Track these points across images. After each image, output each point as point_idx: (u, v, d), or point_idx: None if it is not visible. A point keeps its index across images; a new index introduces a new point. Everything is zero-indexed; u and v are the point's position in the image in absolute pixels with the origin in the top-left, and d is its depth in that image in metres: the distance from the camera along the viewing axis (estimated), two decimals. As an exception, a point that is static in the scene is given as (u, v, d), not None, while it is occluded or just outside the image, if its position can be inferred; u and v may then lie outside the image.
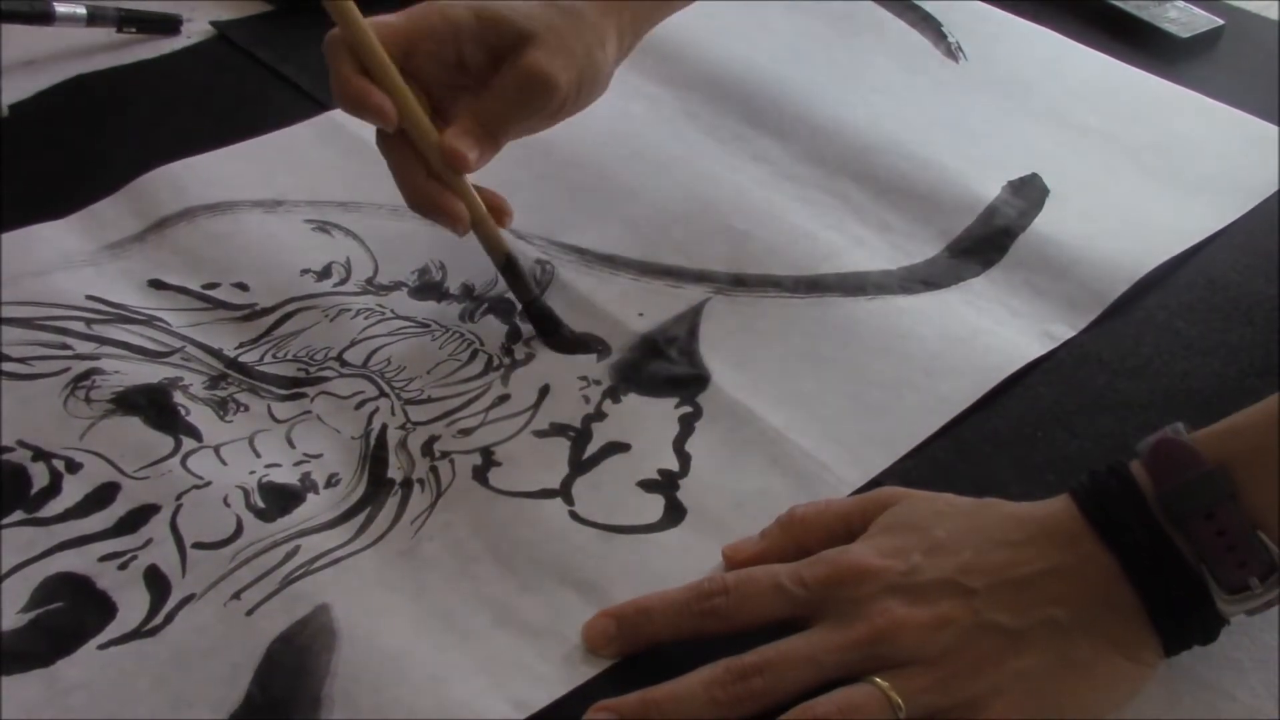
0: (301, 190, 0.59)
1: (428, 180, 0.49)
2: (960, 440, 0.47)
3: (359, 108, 0.47)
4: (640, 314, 0.52)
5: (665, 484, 0.45)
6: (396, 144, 0.49)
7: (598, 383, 0.49)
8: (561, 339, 0.51)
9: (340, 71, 0.47)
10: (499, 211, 0.51)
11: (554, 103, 0.49)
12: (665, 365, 0.50)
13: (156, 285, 0.53)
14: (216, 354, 0.50)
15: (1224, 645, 0.40)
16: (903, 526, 0.40)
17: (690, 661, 0.38)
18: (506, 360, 0.50)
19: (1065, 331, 0.52)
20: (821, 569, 0.39)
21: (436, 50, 0.48)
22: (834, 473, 0.46)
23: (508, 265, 0.51)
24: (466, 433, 0.47)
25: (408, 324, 0.52)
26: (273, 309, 0.52)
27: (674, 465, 0.46)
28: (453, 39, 0.48)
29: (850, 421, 0.48)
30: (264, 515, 0.43)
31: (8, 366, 0.48)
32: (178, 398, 0.47)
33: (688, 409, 0.48)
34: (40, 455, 0.45)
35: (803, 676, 0.37)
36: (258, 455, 0.45)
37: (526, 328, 0.52)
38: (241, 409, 0.47)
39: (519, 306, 0.52)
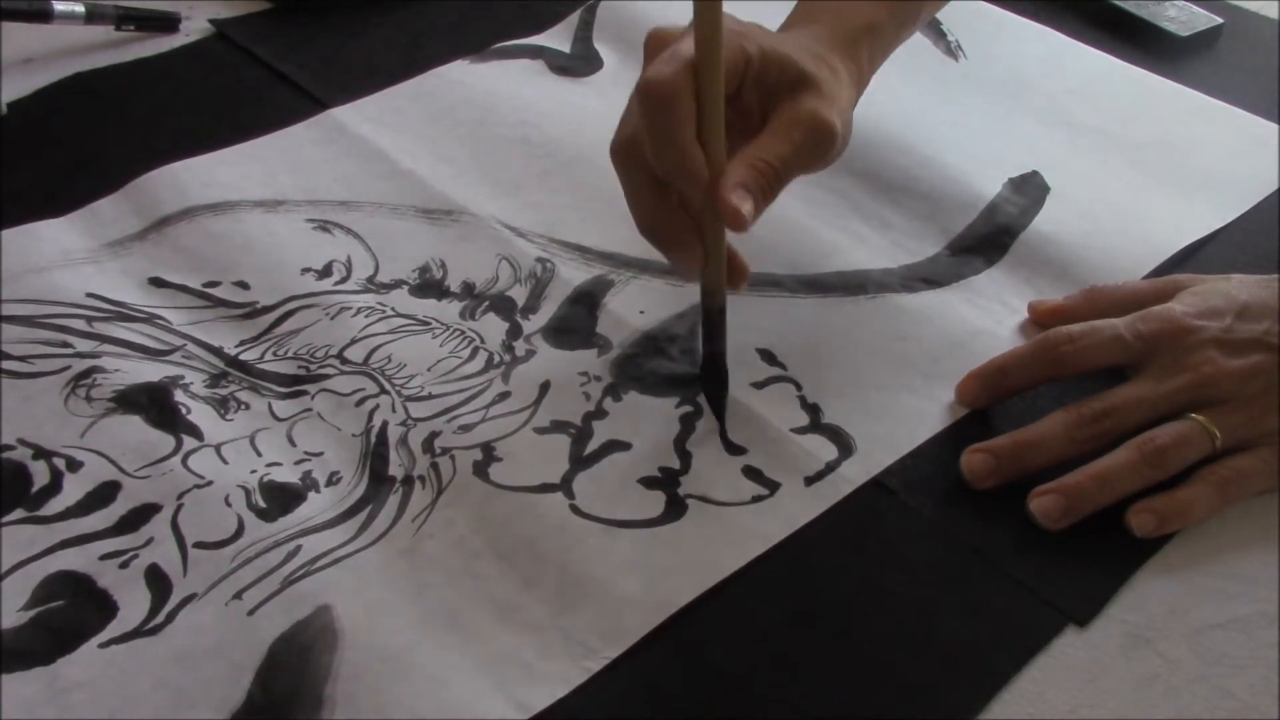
0: (302, 189, 0.59)
1: (671, 211, 0.44)
2: (961, 440, 0.47)
3: (679, 175, 0.42)
4: (641, 311, 0.52)
5: (666, 480, 0.45)
6: (644, 169, 0.44)
7: (598, 379, 0.49)
8: (720, 396, 0.48)
9: (678, 134, 0.41)
10: (738, 270, 0.47)
11: (830, 154, 0.45)
12: (666, 363, 0.50)
13: (157, 283, 0.53)
14: (217, 352, 0.50)
15: (1224, 643, 0.41)
16: (1212, 293, 0.48)
17: (692, 662, 0.38)
18: (507, 357, 0.50)
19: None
20: (1155, 324, 0.47)
21: (726, 78, 0.42)
22: (836, 471, 0.46)
23: (718, 313, 0.47)
24: (467, 429, 0.47)
25: (408, 322, 0.52)
26: (273, 307, 0.52)
27: (675, 463, 0.46)
28: (739, 75, 0.44)
29: (852, 420, 0.48)
30: (265, 515, 0.43)
31: (8, 364, 0.48)
32: (178, 396, 0.47)
33: (688, 408, 0.48)
34: (41, 453, 0.45)
35: (1141, 416, 0.45)
36: (259, 454, 0.45)
37: (527, 325, 0.52)
38: (242, 407, 0.47)
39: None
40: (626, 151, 0.45)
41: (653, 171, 0.43)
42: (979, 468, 0.45)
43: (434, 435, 0.47)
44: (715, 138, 0.42)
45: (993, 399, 0.49)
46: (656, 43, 0.44)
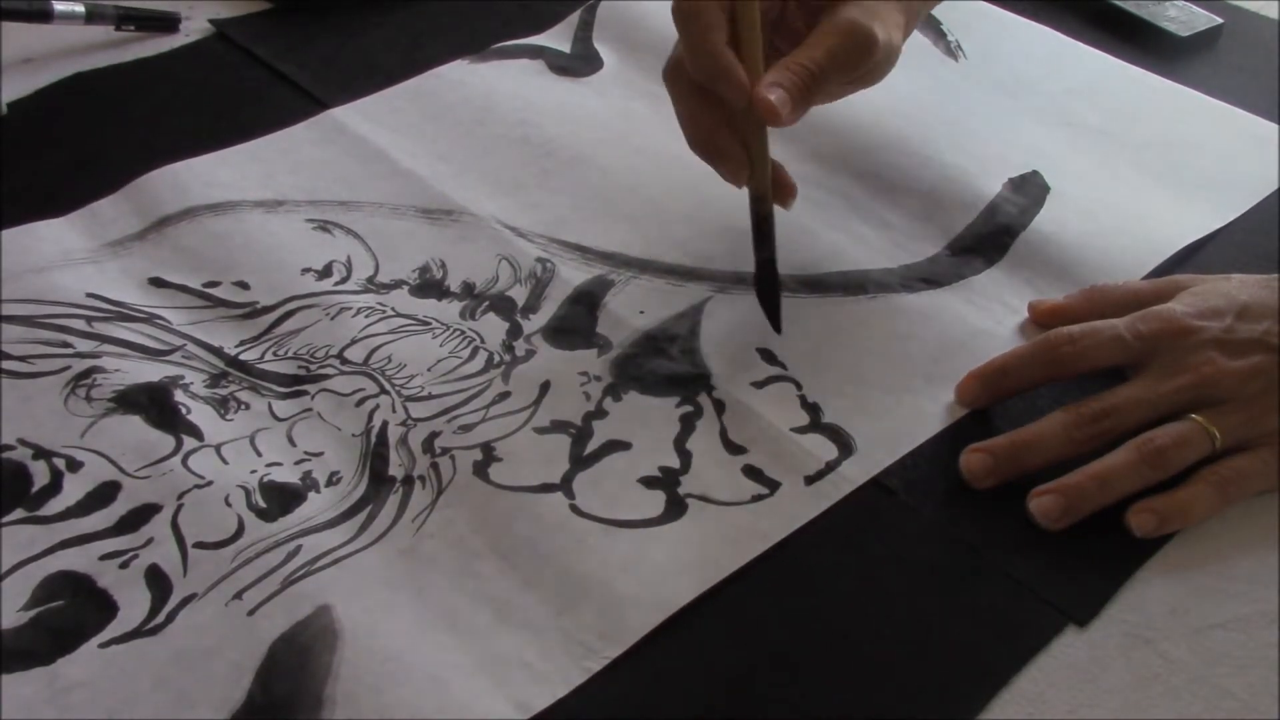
0: (302, 189, 0.59)
1: (717, 124, 0.48)
2: (961, 439, 0.47)
3: (714, 78, 0.45)
4: (641, 311, 0.52)
5: (666, 480, 0.45)
6: (688, 84, 0.47)
7: (598, 379, 0.49)
8: (775, 304, 0.51)
9: (711, 40, 0.45)
10: (784, 186, 0.51)
11: (870, 61, 0.47)
12: (666, 363, 0.50)
13: (157, 283, 0.53)
14: (217, 352, 0.50)
15: (1224, 643, 0.41)
16: (1212, 294, 0.48)
17: (692, 665, 0.38)
18: (507, 357, 0.50)
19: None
20: (1154, 324, 0.47)
21: (767, 7, 0.47)
22: (836, 470, 0.46)
23: (765, 219, 0.50)
24: (467, 429, 0.47)
25: (408, 322, 0.52)
26: (273, 307, 0.52)
27: (675, 463, 0.46)
28: None
29: (852, 420, 0.48)
30: (265, 515, 0.43)
31: (8, 364, 0.48)
32: (178, 396, 0.47)
33: (688, 408, 0.48)
34: (41, 453, 0.45)
35: (1140, 416, 0.45)
36: (259, 454, 0.45)
37: (528, 325, 0.52)
38: (242, 407, 0.47)
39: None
40: (674, 71, 0.48)
41: (698, 86, 0.47)
42: (977, 467, 0.45)
43: (434, 435, 0.47)
44: (752, 47, 0.45)
45: (992, 399, 0.49)
46: None
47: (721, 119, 0.48)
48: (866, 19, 0.47)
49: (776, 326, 0.51)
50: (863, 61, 0.48)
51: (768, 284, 0.51)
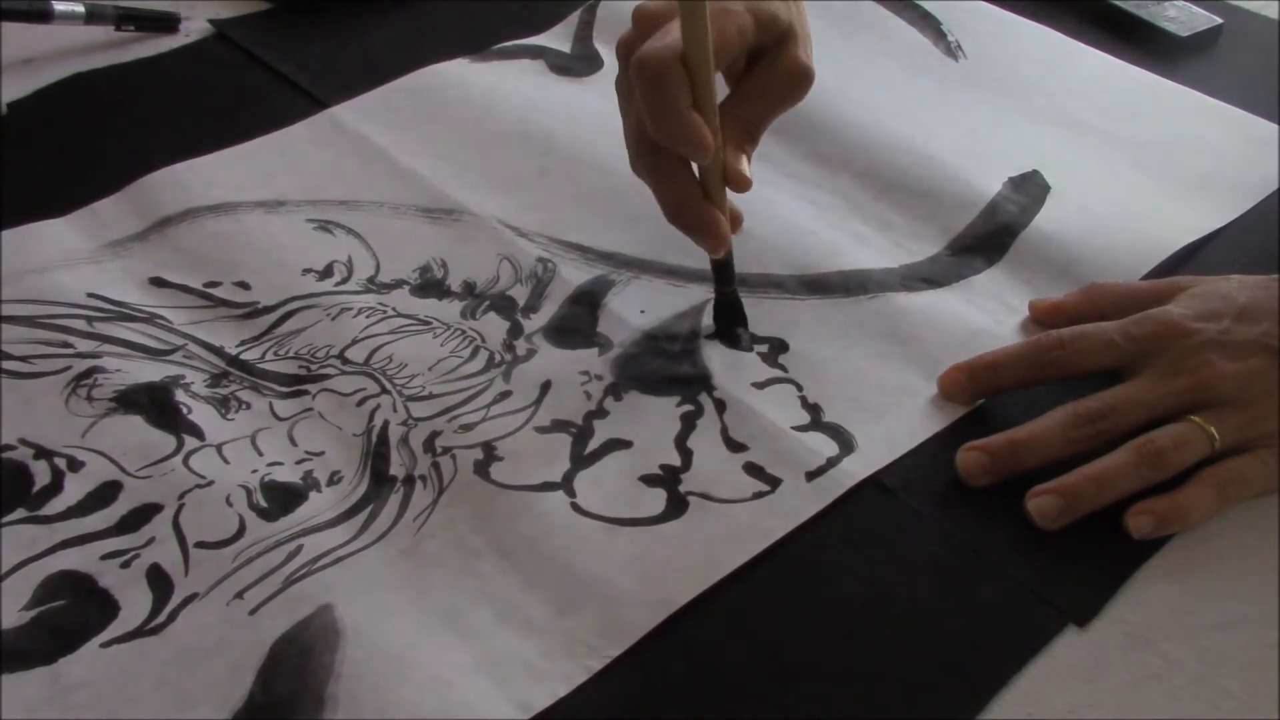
0: (303, 190, 0.59)
1: (693, 191, 0.47)
2: (961, 439, 0.47)
3: (681, 142, 0.45)
4: (642, 311, 0.53)
5: (667, 478, 0.45)
6: (668, 161, 0.47)
7: (599, 378, 0.49)
8: (735, 337, 0.51)
9: (675, 103, 0.44)
10: (736, 219, 0.50)
11: (806, 95, 0.49)
12: (667, 363, 0.50)
13: (158, 283, 0.53)
14: (218, 352, 0.50)
15: (1224, 643, 0.41)
16: (1210, 295, 0.48)
17: (693, 666, 0.38)
18: (508, 357, 0.50)
19: (1066, 330, 0.52)
20: (1149, 327, 0.47)
21: (720, 60, 0.46)
22: (837, 467, 0.46)
23: (726, 264, 0.50)
24: (468, 428, 0.47)
25: (409, 322, 0.52)
26: (274, 307, 0.52)
27: (676, 461, 0.46)
28: (739, 45, 0.47)
29: (852, 420, 0.48)
30: (266, 514, 0.43)
31: (9, 364, 0.48)
32: (179, 396, 0.47)
33: (689, 407, 0.48)
34: (42, 453, 0.45)
35: (1139, 417, 0.45)
36: (260, 454, 0.45)
37: (528, 324, 0.52)
38: (243, 407, 0.47)
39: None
40: (641, 146, 0.48)
41: (684, 171, 0.47)
42: (973, 466, 0.45)
43: (435, 435, 0.47)
44: (710, 101, 0.45)
45: (977, 395, 0.49)
46: (645, 19, 0.47)
47: (692, 181, 0.47)
48: (806, 57, 0.48)
49: (741, 348, 0.51)
50: (801, 97, 0.49)
51: (729, 314, 0.51)
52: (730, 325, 0.51)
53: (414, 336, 0.51)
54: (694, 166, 0.47)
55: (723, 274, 0.51)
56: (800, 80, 0.48)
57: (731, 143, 0.47)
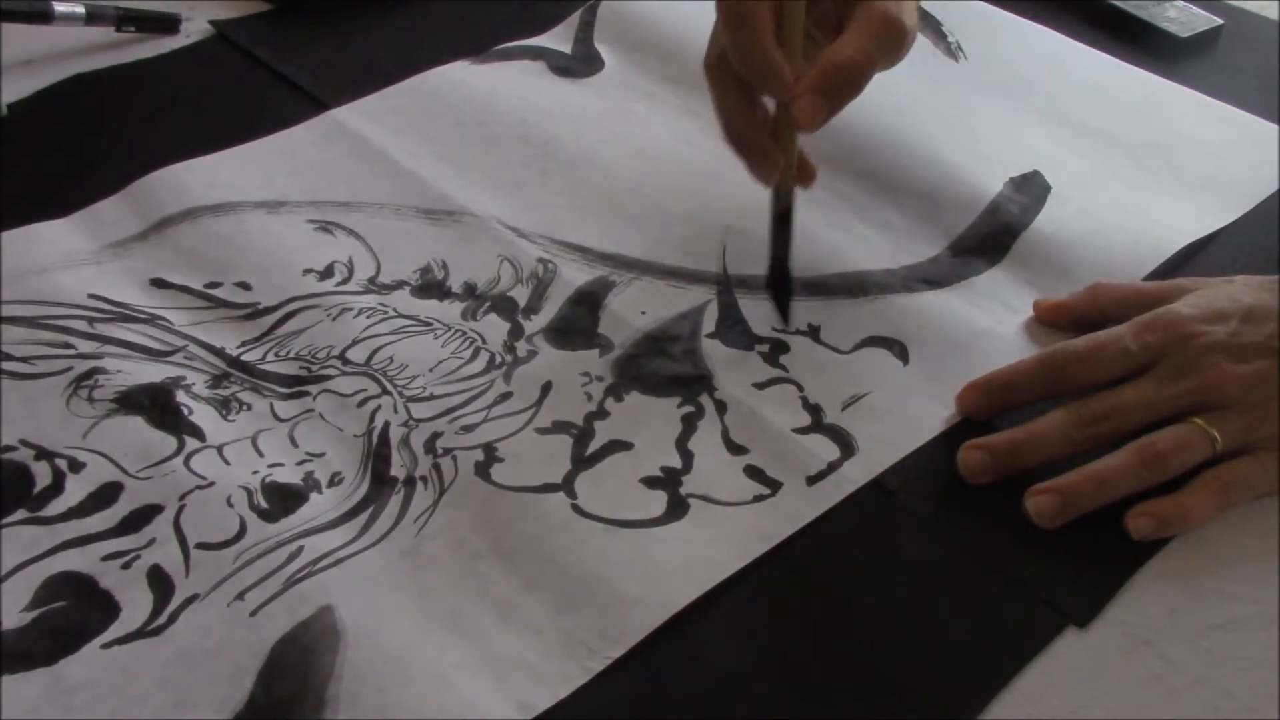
0: (303, 190, 0.59)
1: (756, 123, 0.49)
2: (962, 440, 0.47)
3: (764, 78, 0.47)
4: (643, 312, 0.53)
5: (668, 480, 0.45)
6: (731, 80, 0.48)
7: (600, 380, 0.49)
8: (785, 302, 0.52)
9: (760, 39, 0.46)
10: (805, 168, 0.51)
11: (902, 51, 0.48)
12: (668, 364, 0.50)
13: (159, 284, 0.53)
14: (219, 353, 0.50)
15: (1224, 643, 0.41)
16: (1218, 296, 0.48)
17: (697, 664, 0.38)
18: (509, 358, 0.50)
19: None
20: (1161, 334, 0.47)
21: (809, 6, 0.48)
22: (838, 471, 0.46)
23: (784, 215, 0.51)
24: (469, 429, 0.47)
25: (410, 323, 0.52)
26: (275, 308, 0.52)
27: (677, 462, 0.46)
28: None
29: (853, 421, 0.48)
30: (267, 516, 0.43)
31: (10, 365, 0.48)
32: (180, 397, 0.47)
33: (690, 408, 0.48)
34: (43, 454, 0.45)
35: (1141, 418, 0.45)
36: (261, 455, 0.45)
37: (529, 325, 0.52)
38: (244, 408, 0.47)
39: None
40: (718, 66, 0.49)
41: (740, 82, 0.48)
42: (974, 464, 0.45)
43: (436, 436, 0.47)
44: (796, 45, 0.47)
45: (994, 413, 0.48)
46: None
47: (759, 115, 0.49)
48: (896, 10, 0.48)
49: (785, 320, 0.52)
50: (896, 52, 0.48)
51: (780, 282, 0.52)
52: (781, 295, 0.52)
53: (415, 337, 0.51)
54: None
55: (779, 234, 0.51)
56: (888, 30, 0.47)
57: (814, 85, 0.47)
